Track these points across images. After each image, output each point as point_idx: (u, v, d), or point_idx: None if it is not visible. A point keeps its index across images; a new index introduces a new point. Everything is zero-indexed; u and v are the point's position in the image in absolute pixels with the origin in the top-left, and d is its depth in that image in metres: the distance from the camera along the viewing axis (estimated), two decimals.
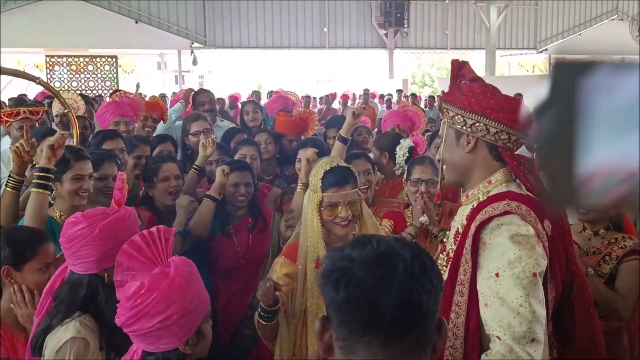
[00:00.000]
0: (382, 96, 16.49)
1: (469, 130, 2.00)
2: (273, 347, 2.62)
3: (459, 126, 2.03)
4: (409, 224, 3.27)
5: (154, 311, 1.74)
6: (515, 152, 2.03)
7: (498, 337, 1.82)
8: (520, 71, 26.76)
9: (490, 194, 2.01)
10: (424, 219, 3.15)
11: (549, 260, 1.92)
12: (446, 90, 2.14)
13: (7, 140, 4.87)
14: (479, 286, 1.90)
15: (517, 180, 2.02)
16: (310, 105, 14.21)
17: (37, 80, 5.16)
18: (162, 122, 5.72)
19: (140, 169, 4.12)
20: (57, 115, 5.65)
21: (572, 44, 23.46)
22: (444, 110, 2.09)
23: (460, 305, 1.96)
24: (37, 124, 4.73)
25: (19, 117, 4.53)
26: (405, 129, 4.99)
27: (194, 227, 3.42)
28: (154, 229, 1.84)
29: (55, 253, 2.50)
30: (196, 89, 6.48)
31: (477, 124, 1.98)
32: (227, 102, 12.87)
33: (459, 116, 2.02)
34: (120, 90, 6.39)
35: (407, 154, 4.00)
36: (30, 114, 4.64)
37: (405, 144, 4.04)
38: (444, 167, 2.18)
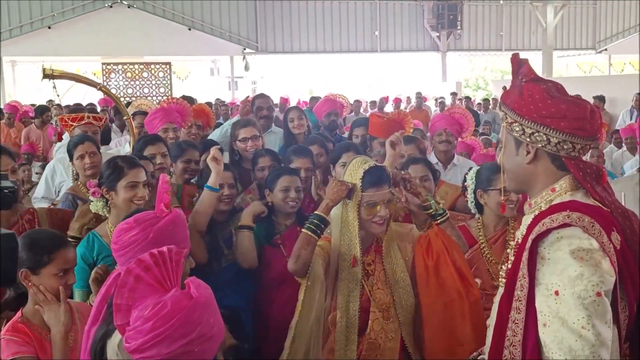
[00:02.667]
0: (435, 99, 16.26)
1: (528, 139, 1.86)
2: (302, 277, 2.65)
3: (517, 135, 1.88)
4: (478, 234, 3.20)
5: (177, 335, 1.57)
6: (582, 159, 1.88)
7: None
8: (579, 72, 26.01)
9: (553, 202, 1.86)
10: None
11: (619, 276, 1.75)
12: (500, 93, 2.00)
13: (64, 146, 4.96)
14: (538, 304, 1.75)
15: (584, 188, 1.87)
16: (361, 109, 14.14)
17: (99, 87, 5.27)
18: (213, 129, 5.74)
19: (189, 173, 4.12)
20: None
21: (632, 43, 22.63)
22: (503, 113, 1.95)
23: (518, 323, 1.81)
24: (99, 129, 4.80)
25: (83, 122, 4.61)
26: (453, 132, 4.83)
27: (192, 218, 3.33)
28: (164, 248, 1.69)
29: (75, 259, 2.49)
30: (250, 95, 6.46)
31: (537, 133, 1.83)
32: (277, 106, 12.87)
33: (517, 124, 1.87)
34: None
35: None
36: (94, 119, 4.72)
37: None
38: (504, 174, 2.03)
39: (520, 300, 1.80)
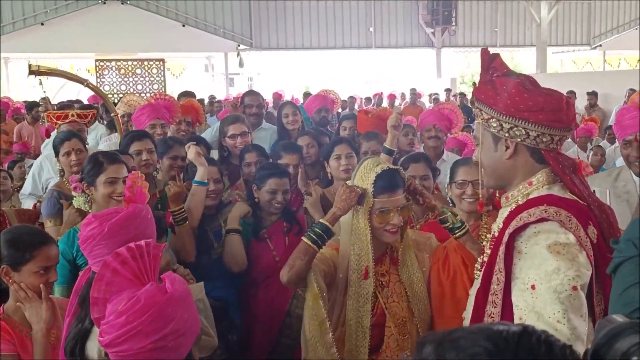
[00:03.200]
0: (430, 96, 16.25)
1: (506, 135, 1.84)
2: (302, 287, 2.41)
3: (495, 131, 1.86)
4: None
5: (149, 329, 1.56)
6: (560, 151, 1.86)
7: None
8: (574, 68, 26.01)
9: (530, 196, 1.85)
10: None
11: (595, 270, 1.75)
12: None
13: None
14: (514, 298, 1.74)
15: (561, 181, 1.86)
16: (356, 106, 14.13)
17: (85, 83, 5.25)
18: (204, 127, 5.71)
19: (176, 170, 4.09)
20: (122, 116, 5.72)
21: (627, 39, 22.65)
22: (477, 110, 1.92)
23: (494, 317, 1.81)
24: (85, 127, 4.78)
25: (67, 120, 4.59)
26: (442, 128, 4.82)
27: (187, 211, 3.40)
28: (142, 242, 1.68)
29: (57, 257, 2.46)
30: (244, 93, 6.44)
31: (516, 128, 1.81)
32: (270, 101, 12.82)
33: (494, 120, 1.85)
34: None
35: None
36: (79, 117, 4.70)
37: None
38: (482, 170, 2.02)
39: (496, 294, 1.79)
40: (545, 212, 1.74)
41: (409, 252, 2.55)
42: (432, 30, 21.49)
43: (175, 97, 6.40)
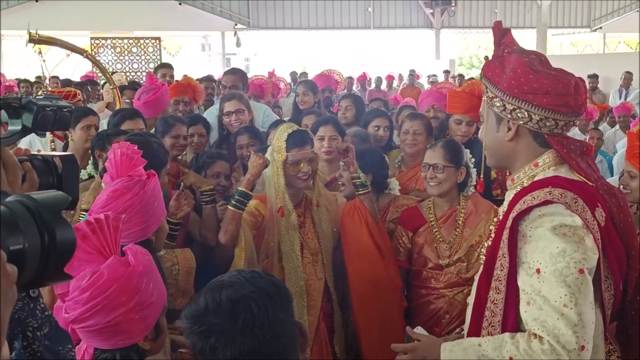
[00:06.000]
0: (428, 77, 16.09)
1: (509, 116, 1.76)
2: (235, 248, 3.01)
3: (498, 110, 1.79)
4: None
5: (115, 303, 1.56)
6: (566, 134, 1.79)
7: (540, 337, 1.60)
8: (573, 51, 25.83)
9: (536, 178, 1.77)
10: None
11: (604, 254, 1.68)
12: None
13: None
14: (520, 282, 1.68)
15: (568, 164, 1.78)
16: (354, 87, 14.00)
17: (85, 54, 5.19)
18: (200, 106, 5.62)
19: (178, 149, 3.96)
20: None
21: (627, 22, 22.43)
22: (484, 87, 1.84)
23: (497, 303, 1.75)
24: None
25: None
26: (442, 107, 4.75)
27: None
28: (101, 215, 1.64)
29: None
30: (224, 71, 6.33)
31: (518, 110, 1.74)
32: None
33: (498, 99, 1.77)
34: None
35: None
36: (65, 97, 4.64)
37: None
38: (485, 150, 1.94)
39: (499, 280, 1.73)
40: (550, 194, 1.67)
41: (320, 199, 3.22)
42: (432, 11, 21.21)
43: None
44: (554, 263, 1.60)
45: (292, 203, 3.09)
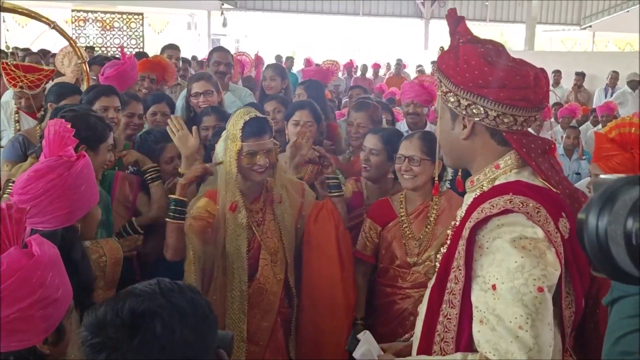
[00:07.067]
0: (416, 67, 15.94)
1: (464, 112, 1.60)
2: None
3: (453, 106, 1.62)
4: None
5: (12, 297, 1.37)
6: (527, 131, 1.62)
7: None
8: (562, 48, 25.78)
9: (497, 182, 1.61)
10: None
11: (566, 269, 1.53)
12: None
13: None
14: (474, 298, 1.52)
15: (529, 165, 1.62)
16: (340, 74, 13.80)
17: (52, 25, 4.95)
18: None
19: (132, 128, 3.80)
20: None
21: (618, 21, 22.38)
22: (438, 81, 1.68)
23: (450, 319, 1.58)
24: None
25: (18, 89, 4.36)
26: (422, 102, 4.62)
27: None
28: (3, 205, 1.47)
29: None
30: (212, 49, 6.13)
31: (473, 105, 1.57)
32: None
33: (452, 94, 1.61)
34: None
35: None
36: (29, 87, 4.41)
37: None
38: (440, 149, 1.78)
39: (454, 294, 1.57)
40: (510, 202, 1.50)
41: (283, 191, 2.92)
42: (422, 0, 21.08)
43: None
44: (511, 279, 1.44)
45: (249, 198, 2.85)
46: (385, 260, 3.08)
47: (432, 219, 3.00)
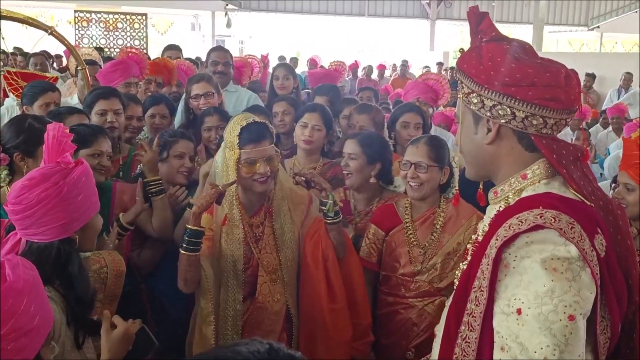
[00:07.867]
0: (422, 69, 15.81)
1: (488, 114, 1.45)
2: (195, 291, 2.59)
3: (476, 108, 1.47)
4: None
5: None
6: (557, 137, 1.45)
7: None
8: (569, 49, 25.60)
9: (523, 194, 1.45)
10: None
11: (602, 291, 1.36)
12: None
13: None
14: (495, 322, 1.36)
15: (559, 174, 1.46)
16: (345, 75, 13.66)
17: (50, 31, 4.84)
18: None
19: (131, 131, 3.71)
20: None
21: (624, 22, 22.19)
22: (459, 83, 1.52)
23: (469, 342, 1.42)
24: None
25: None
26: (427, 100, 4.49)
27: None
28: None
29: None
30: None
31: (499, 106, 1.42)
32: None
33: (475, 95, 1.46)
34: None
35: None
36: None
37: None
38: (464, 158, 1.62)
39: (474, 317, 1.40)
40: (541, 217, 1.34)
41: (283, 203, 2.69)
42: (427, 1, 20.99)
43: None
44: (539, 305, 1.28)
45: (249, 211, 2.65)
46: (388, 267, 2.96)
47: (438, 227, 2.87)
